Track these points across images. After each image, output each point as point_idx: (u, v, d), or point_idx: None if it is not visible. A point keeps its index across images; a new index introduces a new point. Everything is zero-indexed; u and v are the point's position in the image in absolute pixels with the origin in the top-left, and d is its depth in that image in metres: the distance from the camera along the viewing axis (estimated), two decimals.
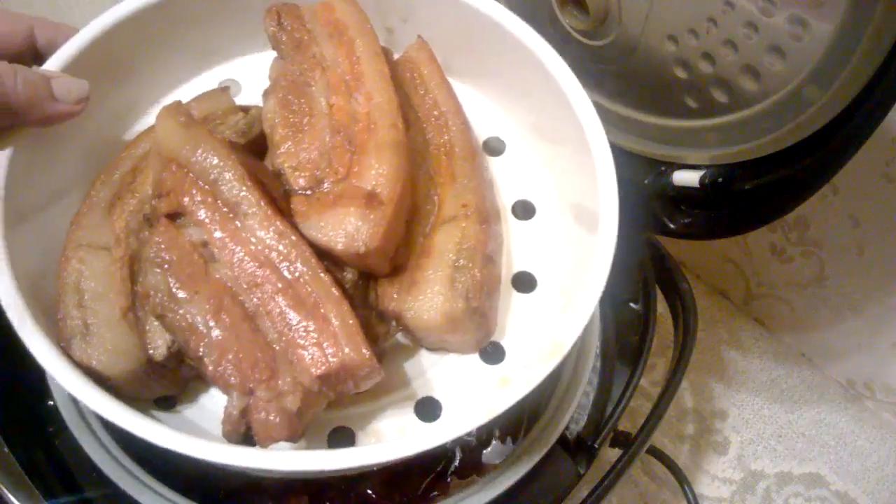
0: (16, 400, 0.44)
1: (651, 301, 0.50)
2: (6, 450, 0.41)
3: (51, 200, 0.39)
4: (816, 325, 0.70)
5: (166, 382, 0.36)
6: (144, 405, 0.36)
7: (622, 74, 0.46)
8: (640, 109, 0.46)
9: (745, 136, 0.41)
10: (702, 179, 0.43)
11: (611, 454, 0.45)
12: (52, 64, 0.38)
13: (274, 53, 0.42)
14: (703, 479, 0.68)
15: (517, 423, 0.49)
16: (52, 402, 0.43)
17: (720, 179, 0.42)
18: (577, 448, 0.44)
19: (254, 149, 0.40)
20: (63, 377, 0.32)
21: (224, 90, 0.43)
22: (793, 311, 0.71)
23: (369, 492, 0.49)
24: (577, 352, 0.46)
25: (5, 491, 0.39)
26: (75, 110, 0.36)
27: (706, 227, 0.46)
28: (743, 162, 0.41)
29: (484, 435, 0.51)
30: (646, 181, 0.47)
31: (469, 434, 0.32)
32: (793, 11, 0.35)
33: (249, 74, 0.46)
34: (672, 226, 0.47)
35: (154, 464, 0.42)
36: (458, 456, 0.50)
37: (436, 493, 0.48)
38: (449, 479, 0.49)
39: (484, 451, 0.50)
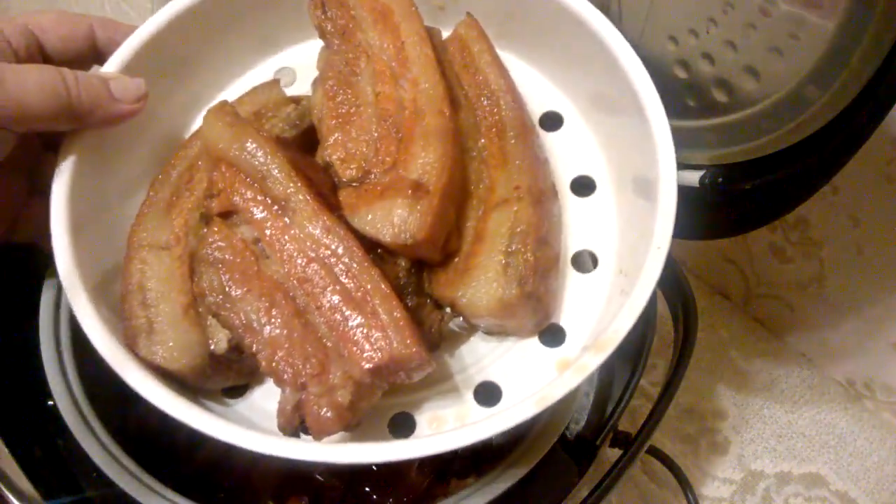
0: (16, 400, 0.44)
1: (651, 301, 0.50)
2: (6, 450, 0.41)
3: (121, 198, 0.39)
4: (816, 325, 0.70)
5: (232, 374, 0.37)
6: (215, 395, 0.37)
7: None
8: None
9: (745, 136, 0.41)
10: (702, 179, 0.43)
11: (611, 454, 0.45)
12: (112, 63, 0.39)
13: None
14: (703, 479, 0.68)
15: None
16: (51, 402, 0.43)
17: (720, 179, 0.42)
18: (577, 448, 0.44)
19: (306, 140, 0.40)
20: (128, 375, 0.33)
21: (274, 82, 0.43)
22: (793, 311, 0.71)
23: (369, 490, 0.49)
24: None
25: (5, 491, 0.39)
26: (136, 109, 0.37)
27: (706, 227, 0.46)
28: (743, 162, 0.41)
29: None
30: None
31: (520, 425, 0.32)
32: (792, 11, 0.35)
33: (305, 62, 0.45)
34: None
35: (154, 464, 0.42)
36: (458, 456, 0.50)
37: (435, 493, 0.48)
38: (448, 480, 0.49)
39: (484, 451, 0.50)
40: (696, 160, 0.44)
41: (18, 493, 0.39)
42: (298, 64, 0.46)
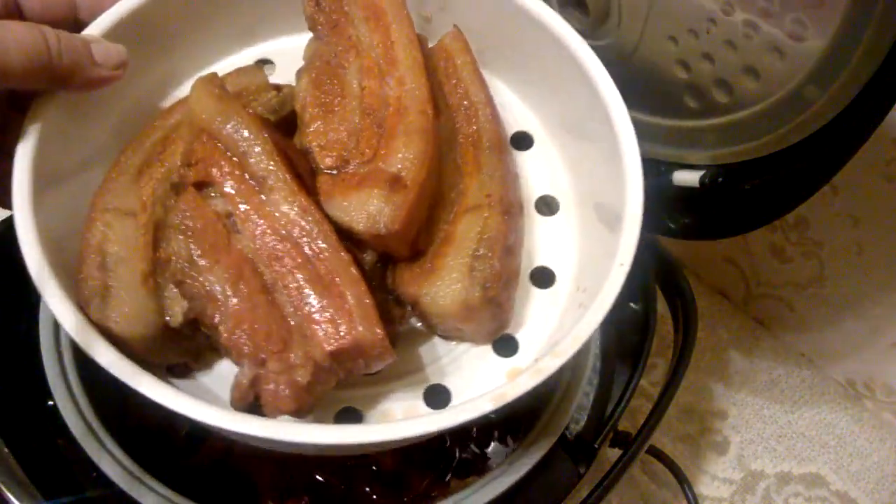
0: (16, 400, 0.44)
1: (651, 301, 0.50)
2: (6, 450, 0.41)
3: (85, 166, 0.39)
4: (816, 325, 0.70)
5: (181, 350, 0.36)
6: (158, 371, 0.36)
7: (622, 75, 0.46)
8: (640, 110, 0.46)
9: (745, 136, 0.41)
10: (702, 179, 0.43)
11: (611, 454, 0.45)
12: (94, 28, 0.38)
13: (310, 36, 0.42)
14: (703, 479, 0.68)
15: (517, 423, 0.49)
16: (51, 402, 0.43)
17: (720, 179, 0.42)
18: (577, 448, 0.44)
19: (284, 127, 0.40)
20: (80, 337, 0.32)
21: (259, 67, 0.44)
22: (793, 311, 0.71)
23: (368, 490, 0.49)
24: (577, 352, 0.46)
25: (5, 491, 0.39)
26: (115, 75, 0.36)
27: (706, 227, 0.46)
28: (743, 162, 0.41)
29: (483, 434, 0.51)
30: (646, 181, 0.47)
31: (474, 420, 0.31)
32: (792, 11, 0.35)
33: (285, 56, 0.46)
34: (672, 226, 0.47)
35: (154, 464, 0.42)
36: (458, 456, 0.50)
37: (435, 493, 0.48)
38: (448, 480, 0.49)
39: (483, 451, 0.50)
40: (696, 160, 0.44)
41: (18, 493, 0.39)
42: (279, 57, 0.46)
